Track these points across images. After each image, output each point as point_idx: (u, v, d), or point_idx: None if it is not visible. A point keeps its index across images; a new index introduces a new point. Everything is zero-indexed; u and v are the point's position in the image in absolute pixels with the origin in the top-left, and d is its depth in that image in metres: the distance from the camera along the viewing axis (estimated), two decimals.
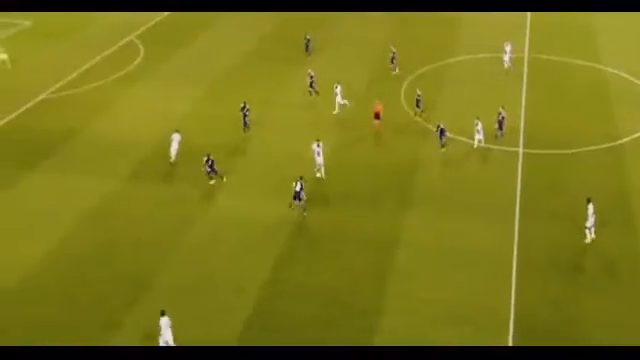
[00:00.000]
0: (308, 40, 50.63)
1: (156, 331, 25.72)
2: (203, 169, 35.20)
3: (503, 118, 38.74)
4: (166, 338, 25.46)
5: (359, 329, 26.40)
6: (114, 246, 30.91)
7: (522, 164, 36.94)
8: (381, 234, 31.67)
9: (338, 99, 41.84)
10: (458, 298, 27.90)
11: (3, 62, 49.32)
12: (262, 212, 33.10)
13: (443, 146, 37.83)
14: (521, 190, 34.79)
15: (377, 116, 39.89)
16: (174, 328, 25.93)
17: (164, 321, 25.57)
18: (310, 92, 43.48)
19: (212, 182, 35.36)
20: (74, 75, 47.86)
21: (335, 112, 41.84)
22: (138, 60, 50.72)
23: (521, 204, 33.71)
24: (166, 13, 60.07)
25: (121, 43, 53.37)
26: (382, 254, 30.31)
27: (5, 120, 41.99)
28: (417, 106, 41.28)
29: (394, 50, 47.73)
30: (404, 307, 27.47)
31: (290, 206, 32.90)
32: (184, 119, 41.87)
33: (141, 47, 52.91)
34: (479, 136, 37.94)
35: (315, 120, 41.47)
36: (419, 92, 41.61)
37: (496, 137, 38.74)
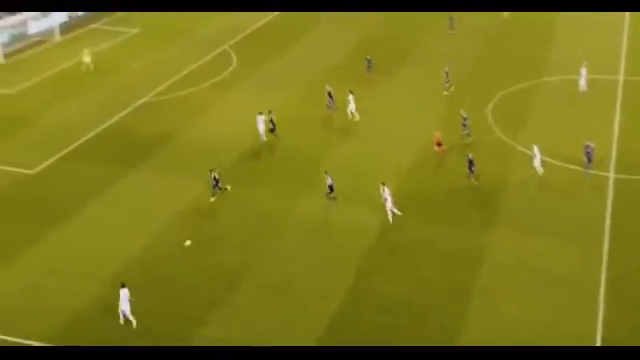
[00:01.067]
0: (369, 60, 49.42)
1: (241, 329, 25.96)
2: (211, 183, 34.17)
3: (592, 150, 36.39)
4: (123, 308, 26.12)
5: (438, 343, 25.84)
6: (202, 245, 31.06)
7: (613, 189, 35.17)
8: (463, 250, 30.78)
9: (351, 107, 41.96)
10: (542, 319, 26.81)
11: (87, 65, 50.75)
12: (345, 219, 32.83)
13: (474, 178, 35.45)
14: (611, 214, 33.31)
15: (439, 144, 38.39)
16: (257, 329, 26.10)
17: (123, 292, 26.26)
18: (329, 107, 43.18)
19: (212, 199, 33.99)
20: (173, 80, 48.84)
21: (350, 118, 42.12)
22: (231, 68, 51.50)
23: (611, 228, 32.26)
24: (258, 25, 60.84)
25: (217, 51, 54.20)
26: (463, 270, 29.45)
27: (112, 120, 43.08)
28: (464, 127, 39.34)
29: (447, 70, 46.19)
30: (484, 324, 26.63)
31: (332, 198, 33.76)
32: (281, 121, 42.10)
33: (234, 55, 53.77)
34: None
35: (402, 135, 41.12)
36: (464, 115, 39.64)
37: (586, 168, 36.73)
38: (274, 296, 28.14)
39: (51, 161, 38.53)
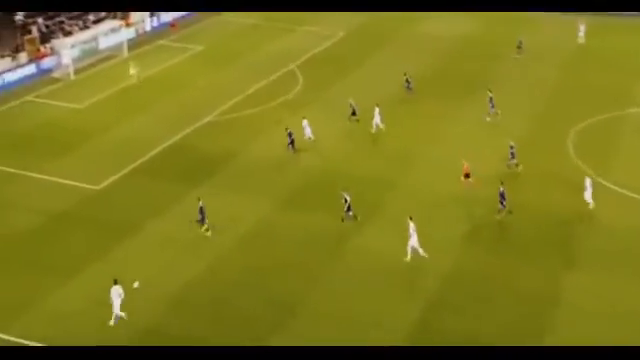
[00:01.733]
0: (408, 81, 49.14)
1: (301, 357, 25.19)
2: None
3: None
4: (115, 305, 26.94)
5: None
6: (264, 269, 30.59)
7: None
8: (537, 288, 29.39)
9: (376, 120, 42.66)
10: None
11: (133, 77, 51.52)
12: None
13: (502, 213, 33.88)
14: None
15: (467, 176, 36.81)
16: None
17: (114, 290, 27.04)
18: (351, 119, 44.30)
19: (204, 230, 32.56)
20: (238, 99, 48.77)
21: (373, 131, 42.75)
22: (297, 88, 51.23)
23: None
24: (324, 46, 60.62)
25: (282, 71, 54.05)
26: (537, 310, 28.06)
27: (177, 137, 43.21)
28: (512, 157, 38.12)
29: (490, 95, 44.84)
30: None
31: (342, 220, 33.44)
32: (334, 149, 41.59)
33: (300, 76, 53.57)
34: None
35: (480, 163, 39.92)
36: (512, 144, 38.34)
37: None
38: (335, 325, 27.21)
39: (116, 177, 38.75)
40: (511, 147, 38.28)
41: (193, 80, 52.21)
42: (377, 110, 43.17)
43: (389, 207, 35.34)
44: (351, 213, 33.84)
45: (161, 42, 61.86)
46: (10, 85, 51.64)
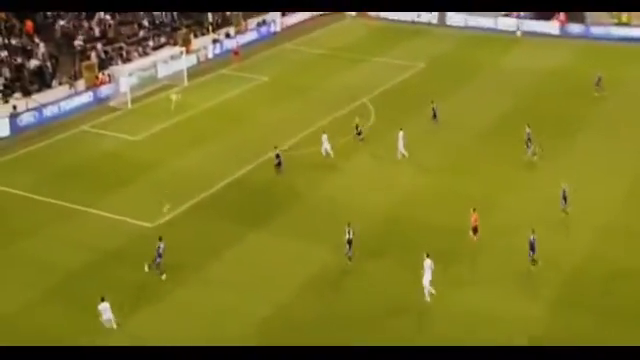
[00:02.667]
0: (434, 110, 50.54)
1: None
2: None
3: None
4: (109, 317, 30.11)
5: None
6: (329, 321, 30.63)
7: None
8: None
9: (400, 147, 44.38)
10: None
11: (172, 102, 53.19)
12: (504, 309, 31.47)
13: (531, 263, 33.65)
14: None
15: (475, 230, 35.66)
16: None
17: (102, 306, 30.07)
18: (357, 138, 47.29)
19: (163, 276, 33.12)
20: (304, 134, 49.36)
21: (399, 158, 44.54)
22: (370, 123, 51.62)
23: None
24: (402, 77, 61.05)
25: (353, 105, 54.45)
26: None
27: (237, 174, 43.87)
28: (563, 200, 37.83)
29: (528, 130, 44.94)
30: None
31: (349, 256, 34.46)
32: (414, 192, 41.55)
33: (372, 110, 53.93)
34: None
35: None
36: (565, 187, 37.86)
37: None
38: None
39: (172, 214, 39.49)
40: (564, 191, 38.10)
41: (256, 113, 53.19)
42: (401, 134, 44.38)
43: (476, 259, 34.98)
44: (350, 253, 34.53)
45: (223, 71, 63.32)
46: (67, 113, 53.67)
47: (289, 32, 74.70)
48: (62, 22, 60.13)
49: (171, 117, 52.48)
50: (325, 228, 37.86)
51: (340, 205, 40.31)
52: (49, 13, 60.05)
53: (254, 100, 55.91)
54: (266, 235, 37.49)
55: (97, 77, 57.62)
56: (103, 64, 58.88)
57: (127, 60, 60.18)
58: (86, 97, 55.83)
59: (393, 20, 78.07)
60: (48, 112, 53.12)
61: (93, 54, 58.89)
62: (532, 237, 33.73)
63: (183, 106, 54.33)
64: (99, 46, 59.91)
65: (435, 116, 50.99)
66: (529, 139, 45.05)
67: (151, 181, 43.38)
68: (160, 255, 33.80)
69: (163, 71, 60.96)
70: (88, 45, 59.52)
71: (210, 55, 67.09)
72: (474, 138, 48.65)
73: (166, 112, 53.05)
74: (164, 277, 33.65)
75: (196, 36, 67.93)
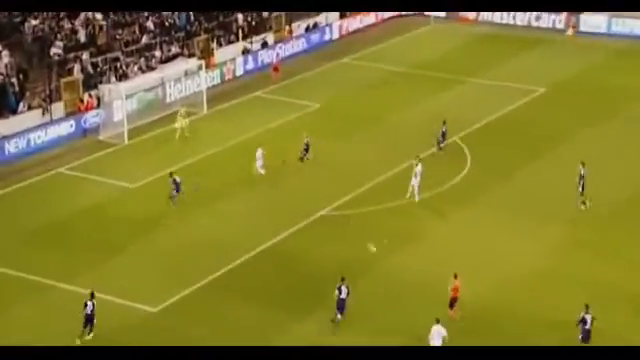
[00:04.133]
0: (443, 134, 54.13)
1: None
2: None
3: None
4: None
5: None
6: None
7: None
8: None
9: (414, 182, 47.69)
10: None
11: (181, 130, 55.32)
12: None
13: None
14: None
15: (452, 303, 38.02)
16: None
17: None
18: (302, 158, 52.30)
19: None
20: (369, 186, 49.76)
21: (407, 196, 47.75)
22: (464, 172, 51.69)
23: None
24: (511, 107, 61.32)
25: (440, 146, 54.95)
26: None
27: (273, 240, 44.36)
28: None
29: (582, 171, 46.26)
30: None
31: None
32: (528, 276, 41.47)
33: (468, 154, 54.19)
34: None
35: None
36: None
37: None
38: None
39: (181, 296, 39.97)
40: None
41: (299, 154, 53.70)
42: (419, 168, 47.81)
43: None
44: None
45: (258, 93, 64.32)
46: (38, 149, 54.88)
47: (350, 40, 75.73)
48: (34, 22, 61.34)
49: (181, 157, 53.31)
50: (398, 317, 38.03)
51: (414, 280, 40.59)
52: None
53: (298, 136, 56.44)
54: (310, 326, 37.67)
55: (81, 99, 58.78)
56: (90, 81, 60.05)
57: (124, 76, 61.42)
58: (66, 127, 57.01)
59: (499, 24, 78.62)
60: (12, 147, 54.40)
61: (76, 67, 60.08)
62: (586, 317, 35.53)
63: (199, 140, 55.21)
64: (85, 56, 61.17)
65: (442, 141, 53.95)
66: (581, 182, 46.25)
67: (152, 248, 43.87)
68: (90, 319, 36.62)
69: (174, 92, 62.09)
70: (70, 54, 60.83)
71: (239, 72, 68.25)
72: (619, 205, 48.40)
73: (175, 149, 53.93)
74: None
75: (220, 45, 69.23)
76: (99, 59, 61.90)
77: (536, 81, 65.82)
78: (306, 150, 52.96)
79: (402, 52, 73.29)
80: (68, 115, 58.07)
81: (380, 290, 40.56)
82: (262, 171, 50.47)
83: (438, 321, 35.52)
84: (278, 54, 70.21)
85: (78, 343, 36.39)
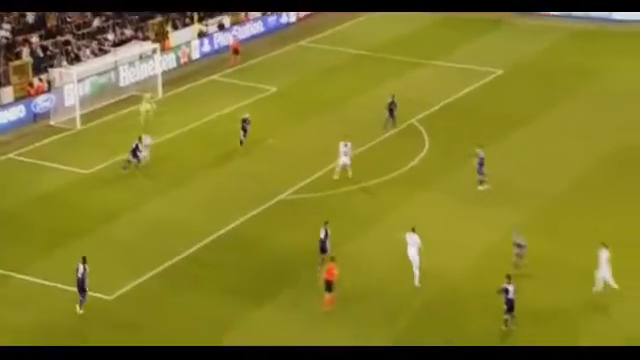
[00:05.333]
0: (392, 108, 54.31)
1: None
2: None
3: None
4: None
5: None
6: None
7: None
8: None
9: (345, 160, 48.34)
10: None
11: (147, 112, 55.02)
12: None
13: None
14: None
15: (329, 286, 37.69)
16: None
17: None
18: (242, 141, 51.94)
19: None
20: (329, 169, 49.56)
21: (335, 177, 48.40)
22: (422, 154, 51.77)
23: None
24: (470, 89, 61.53)
25: (398, 128, 54.94)
26: None
27: (232, 225, 44.26)
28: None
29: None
30: None
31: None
32: (490, 254, 41.61)
33: (426, 136, 54.24)
34: None
35: None
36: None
37: None
38: None
39: (136, 283, 39.72)
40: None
41: (260, 137, 53.50)
42: (347, 148, 48.37)
43: None
44: None
45: (215, 77, 64.13)
46: None
47: (308, 23, 75.63)
48: None
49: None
50: (362, 309, 37.89)
51: (377, 273, 40.44)
52: None
53: (256, 120, 56.09)
54: (272, 313, 37.61)
55: (31, 84, 58.35)
56: (40, 65, 59.62)
57: (75, 60, 60.96)
58: (15, 112, 56.52)
59: None
60: None
61: (25, 51, 59.62)
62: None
63: (154, 125, 54.93)
64: (34, 39, 60.76)
65: (392, 115, 54.62)
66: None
67: (106, 236, 43.49)
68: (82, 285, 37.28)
69: (128, 77, 61.71)
70: (18, 37, 60.34)
71: (195, 55, 67.98)
72: (571, 184, 48.72)
73: (132, 132, 53.35)
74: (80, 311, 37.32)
75: (175, 28, 68.86)
76: (49, 42, 61.38)
77: (494, 63, 66.02)
78: (244, 130, 52.23)
79: (361, 35, 73.17)
80: (17, 100, 57.60)
81: (345, 275, 39.96)
82: (147, 156, 50.05)
83: (413, 229, 38.62)
84: (235, 36, 69.77)
85: (80, 312, 37.22)
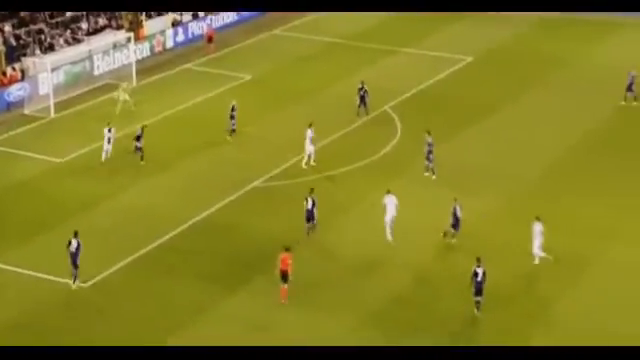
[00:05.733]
0: (363, 94, 54.28)
1: None
2: None
3: None
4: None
5: None
6: None
7: None
8: None
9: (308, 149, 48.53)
10: None
11: (125, 102, 54.95)
12: None
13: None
14: None
15: (285, 276, 37.25)
16: None
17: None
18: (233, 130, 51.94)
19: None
20: (301, 156, 49.39)
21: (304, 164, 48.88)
22: (394, 141, 51.80)
23: None
24: (440, 76, 61.61)
25: (370, 115, 54.98)
26: None
27: (207, 212, 44.23)
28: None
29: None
30: None
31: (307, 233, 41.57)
32: (460, 238, 41.71)
33: (398, 123, 54.23)
34: None
35: None
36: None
37: None
38: None
39: (112, 271, 39.59)
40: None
41: (237, 126, 53.31)
42: (309, 133, 48.20)
43: None
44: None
45: (188, 65, 63.80)
46: None
47: (282, 12, 75.27)
48: None
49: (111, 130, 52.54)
50: (337, 294, 37.94)
51: (344, 258, 40.58)
52: None
53: (240, 111, 56.17)
54: (246, 299, 37.47)
55: (4, 72, 57.85)
56: (13, 54, 59.13)
57: (49, 49, 60.53)
58: None
59: None
60: None
61: None
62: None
63: (131, 114, 54.67)
64: (7, 28, 60.27)
65: (363, 102, 54.42)
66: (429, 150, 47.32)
67: (81, 224, 43.04)
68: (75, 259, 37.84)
69: (102, 65, 61.31)
70: None
71: (170, 43, 67.70)
72: (542, 170, 48.85)
73: (107, 120, 53.05)
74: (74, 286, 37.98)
75: (149, 17, 68.42)
76: (22, 31, 60.95)
77: (464, 50, 66.23)
78: (232, 118, 52.06)
79: (334, 23, 73.07)
80: None
81: (317, 261, 40.44)
82: (107, 154, 49.14)
83: (389, 191, 41.02)
84: (209, 25, 69.45)
85: (74, 287, 37.93)
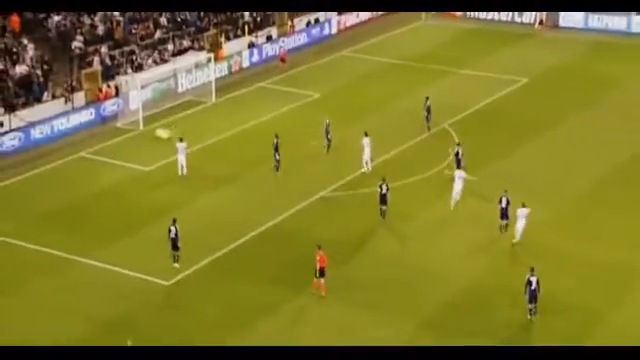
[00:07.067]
0: (428, 109, 54.63)
1: None
2: None
3: None
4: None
5: None
6: None
7: None
8: None
9: (366, 157, 49.52)
10: None
11: (168, 139, 53.94)
12: None
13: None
14: None
15: (322, 272, 37.87)
16: None
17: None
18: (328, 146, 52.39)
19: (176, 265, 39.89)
20: (365, 169, 49.83)
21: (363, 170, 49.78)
22: (452, 156, 51.82)
23: None
24: (497, 96, 61.30)
25: (431, 132, 55.00)
26: None
27: (276, 219, 44.57)
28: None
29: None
30: None
31: None
32: (515, 250, 41.64)
33: (456, 139, 54.02)
34: None
35: None
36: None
37: None
38: None
39: (190, 271, 40.27)
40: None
41: (301, 140, 53.69)
42: (366, 140, 49.37)
43: None
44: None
45: (262, 84, 64.42)
46: (61, 135, 55.24)
47: (348, 35, 75.66)
48: (57, 18, 61.58)
49: (191, 143, 53.12)
50: (394, 297, 38.18)
51: (411, 268, 40.62)
52: None
53: (300, 124, 56.47)
54: (308, 301, 37.88)
55: (100, 89, 59.03)
56: (108, 73, 60.36)
57: (139, 68, 61.61)
58: (86, 115, 57.27)
59: (485, 20, 78.55)
60: (37, 133, 54.63)
61: (96, 60, 60.34)
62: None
63: (208, 127, 55.48)
64: (104, 49, 61.35)
65: (428, 117, 54.90)
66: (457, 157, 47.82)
67: (164, 227, 43.59)
68: (175, 243, 39.75)
69: (185, 83, 62.18)
70: (90, 48, 60.97)
71: (246, 63, 68.21)
72: (592, 185, 48.44)
73: (186, 136, 53.97)
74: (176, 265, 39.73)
75: (228, 39, 69.18)
76: (116, 52, 62.11)
77: (519, 72, 65.61)
78: (328, 139, 52.23)
79: (396, 45, 73.07)
80: (88, 104, 58.46)
81: (373, 270, 40.56)
82: (184, 170, 49.37)
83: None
84: (282, 47, 70.09)
85: (176, 266, 40.08)
